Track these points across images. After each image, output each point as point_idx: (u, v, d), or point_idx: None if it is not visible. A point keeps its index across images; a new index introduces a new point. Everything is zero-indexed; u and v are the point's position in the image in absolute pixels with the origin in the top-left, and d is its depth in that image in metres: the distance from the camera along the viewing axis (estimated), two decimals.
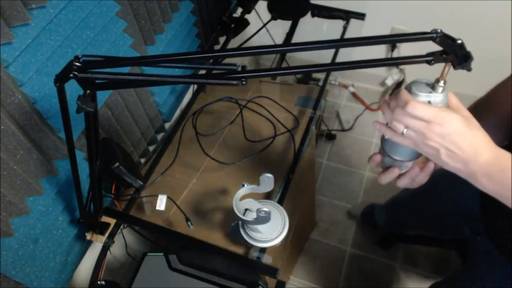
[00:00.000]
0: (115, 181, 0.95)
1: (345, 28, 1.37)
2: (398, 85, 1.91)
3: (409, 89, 0.53)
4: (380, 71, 1.92)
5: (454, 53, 0.47)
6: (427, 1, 1.58)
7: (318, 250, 1.56)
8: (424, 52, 0.51)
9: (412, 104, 0.50)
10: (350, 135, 1.88)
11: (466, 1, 1.46)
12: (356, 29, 1.39)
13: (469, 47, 0.48)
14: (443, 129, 0.50)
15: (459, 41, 0.47)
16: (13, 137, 0.70)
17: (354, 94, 2.00)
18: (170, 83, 0.55)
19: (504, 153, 0.51)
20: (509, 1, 1.41)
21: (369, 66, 0.51)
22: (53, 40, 0.75)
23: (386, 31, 1.71)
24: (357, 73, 1.97)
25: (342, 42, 0.51)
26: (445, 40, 0.48)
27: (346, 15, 1.40)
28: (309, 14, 1.41)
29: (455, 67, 0.48)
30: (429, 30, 0.49)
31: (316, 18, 1.43)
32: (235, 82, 0.51)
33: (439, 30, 0.48)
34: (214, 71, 0.53)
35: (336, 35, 1.36)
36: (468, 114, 0.53)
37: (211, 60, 1.25)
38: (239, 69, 0.52)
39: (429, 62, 0.50)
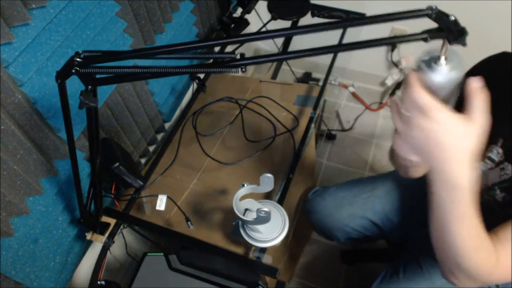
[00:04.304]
0: (115, 181, 0.95)
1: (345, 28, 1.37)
2: (398, 85, 1.91)
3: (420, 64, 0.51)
4: (380, 71, 1.92)
5: (449, 29, 0.48)
6: (427, 1, 1.58)
7: (318, 250, 1.56)
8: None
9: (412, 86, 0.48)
10: (350, 135, 1.88)
11: (466, 1, 1.46)
12: (356, 28, 1.38)
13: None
14: (427, 120, 0.48)
15: (452, 17, 0.47)
16: (13, 137, 0.70)
17: (354, 94, 2.00)
18: (170, 74, 0.55)
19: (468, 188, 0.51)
20: (509, 1, 1.41)
21: (368, 46, 0.52)
22: (53, 40, 0.75)
23: (386, 31, 1.71)
24: (357, 73, 1.97)
25: (343, 23, 0.51)
26: (441, 16, 0.48)
27: (346, 15, 1.40)
28: (309, 14, 1.41)
29: (451, 43, 0.49)
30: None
31: (316, 18, 1.43)
32: (235, 69, 0.52)
33: (434, 7, 0.48)
34: (214, 61, 0.54)
35: (336, 35, 1.36)
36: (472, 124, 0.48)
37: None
38: (238, 56, 0.53)
39: (425, 40, 0.50)
